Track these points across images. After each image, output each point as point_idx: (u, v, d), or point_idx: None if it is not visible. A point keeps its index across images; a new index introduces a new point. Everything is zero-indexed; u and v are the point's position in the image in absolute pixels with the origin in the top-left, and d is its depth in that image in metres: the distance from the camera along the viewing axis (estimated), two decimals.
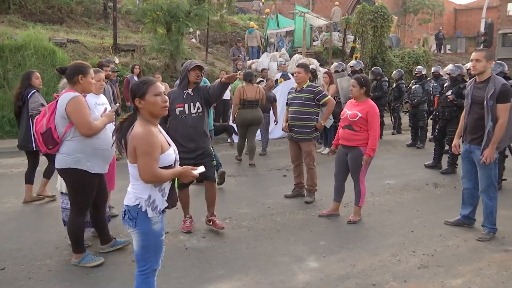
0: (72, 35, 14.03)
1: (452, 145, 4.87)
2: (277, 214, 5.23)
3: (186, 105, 4.42)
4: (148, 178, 2.45)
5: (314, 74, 10.41)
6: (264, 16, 20.66)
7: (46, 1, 16.13)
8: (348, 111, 4.92)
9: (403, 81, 11.72)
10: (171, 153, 2.58)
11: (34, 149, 5.40)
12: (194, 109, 4.44)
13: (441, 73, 9.76)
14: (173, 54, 13.11)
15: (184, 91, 4.47)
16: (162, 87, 2.59)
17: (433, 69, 10.00)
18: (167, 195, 2.60)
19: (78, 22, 16.77)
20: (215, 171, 4.59)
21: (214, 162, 4.56)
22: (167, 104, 2.58)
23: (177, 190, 3.67)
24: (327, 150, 8.23)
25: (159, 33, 12.86)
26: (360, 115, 4.77)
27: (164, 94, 2.56)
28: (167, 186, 2.61)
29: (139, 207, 2.49)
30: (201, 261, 3.94)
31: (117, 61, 12.33)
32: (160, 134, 2.58)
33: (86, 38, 14.15)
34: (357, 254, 4.08)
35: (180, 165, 3.44)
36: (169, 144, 2.63)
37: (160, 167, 2.48)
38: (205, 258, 4.00)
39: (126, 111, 10.07)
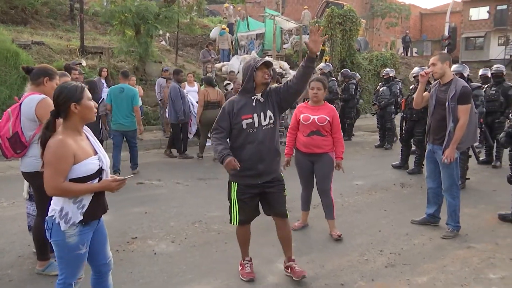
0: (37, 37, 13.67)
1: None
2: None
3: (255, 116, 3.38)
4: (50, 191, 2.36)
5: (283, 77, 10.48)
6: (225, 11, 20.67)
7: (9, 1, 15.65)
8: (312, 116, 4.44)
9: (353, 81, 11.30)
10: (93, 162, 2.46)
11: None
12: (265, 120, 3.39)
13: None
14: (142, 56, 12.96)
15: (252, 98, 3.42)
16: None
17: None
18: (85, 208, 2.45)
19: (43, 24, 16.36)
20: (285, 203, 3.59)
21: (286, 192, 3.60)
22: (96, 109, 2.55)
23: (236, 224, 3.52)
24: None
25: (128, 35, 12.69)
26: (328, 119, 4.43)
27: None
28: (86, 198, 2.46)
29: (53, 218, 2.43)
30: (170, 266, 3.89)
31: (84, 63, 12.09)
32: (84, 141, 2.50)
33: (52, 40, 13.81)
34: (326, 255, 4.12)
35: (247, 194, 3.43)
36: (96, 152, 2.52)
37: (76, 178, 2.39)
38: (174, 262, 3.96)
39: None
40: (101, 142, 7.31)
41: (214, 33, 18.02)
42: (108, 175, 2.56)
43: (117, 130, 7.30)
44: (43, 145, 2.40)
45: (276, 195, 3.50)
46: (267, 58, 3.45)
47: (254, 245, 4.33)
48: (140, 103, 7.50)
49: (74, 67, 8.03)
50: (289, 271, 3.63)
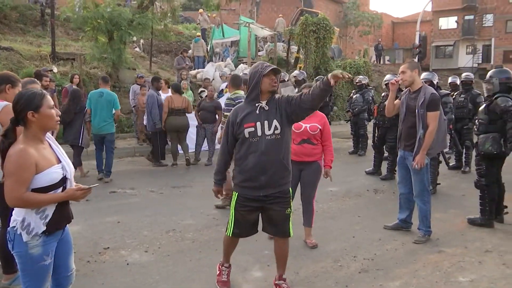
0: (5, 42, 13.34)
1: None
2: (222, 225, 5.18)
3: (258, 124, 3.21)
4: (12, 201, 2.29)
5: None
6: (199, 17, 20.64)
7: None
8: (304, 124, 4.38)
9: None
10: (56, 170, 2.39)
11: None
12: (269, 129, 3.20)
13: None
14: (116, 63, 12.78)
15: (257, 105, 3.27)
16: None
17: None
18: (49, 218, 2.38)
19: (12, 29, 15.97)
20: (289, 222, 3.44)
21: (290, 210, 3.39)
22: (59, 118, 2.47)
23: (229, 235, 3.45)
24: None
25: (101, 41, 12.50)
26: (320, 127, 4.41)
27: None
28: (49, 208, 2.39)
29: (14, 229, 2.35)
30: (143, 276, 3.82)
31: (55, 70, 11.85)
32: (46, 149, 2.43)
33: (22, 46, 13.50)
34: (300, 262, 4.13)
35: (246, 207, 3.32)
36: (60, 161, 2.45)
37: (39, 188, 2.33)
38: (147, 272, 3.89)
39: (62, 123, 9.67)
40: (81, 149, 7.40)
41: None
42: (72, 184, 2.50)
43: (97, 134, 7.49)
44: (3, 154, 2.32)
45: (277, 213, 3.31)
46: (272, 65, 3.32)
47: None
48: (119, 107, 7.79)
49: (45, 74, 7.87)
50: None
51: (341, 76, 3.02)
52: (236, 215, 3.37)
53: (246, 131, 3.22)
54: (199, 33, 18.05)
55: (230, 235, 3.44)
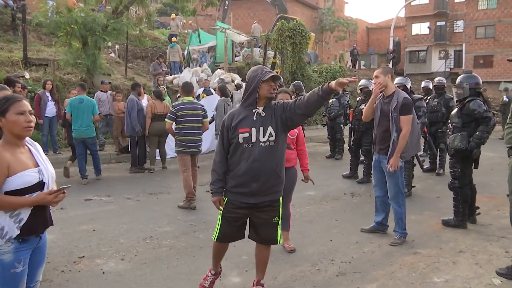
0: None
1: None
2: (199, 231, 5.16)
3: (253, 130, 3.15)
4: None
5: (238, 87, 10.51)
6: (171, 22, 20.57)
7: None
8: None
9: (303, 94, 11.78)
10: (30, 174, 2.37)
11: None
12: (264, 136, 3.15)
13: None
14: (90, 69, 12.57)
15: (254, 111, 3.21)
16: (27, 105, 2.43)
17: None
18: (23, 222, 2.35)
19: None
20: (277, 230, 3.39)
21: (278, 218, 3.35)
22: (32, 124, 2.42)
23: (214, 240, 3.36)
24: None
25: (75, 47, 12.27)
26: (297, 132, 4.42)
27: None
28: (24, 211, 2.36)
29: None
30: (119, 284, 3.76)
31: (27, 76, 11.58)
32: (24, 154, 2.41)
33: None
34: (278, 267, 4.14)
35: (233, 213, 3.24)
36: (38, 165, 2.43)
37: (13, 190, 2.31)
38: (124, 281, 3.83)
39: (38, 129, 9.47)
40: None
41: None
42: (50, 189, 2.46)
43: (77, 137, 7.75)
44: None
45: (263, 221, 3.29)
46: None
47: (208, 259, 4.27)
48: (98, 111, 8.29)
49: (17, 80, 7.69)
50: None
51: (347, 81, 2.99)
52: (222, 221, 3.33)
53: (240, 136, 3.17)
54: (175, 38, 17.95)
55: (215, 240, 3.41)
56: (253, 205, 3.23)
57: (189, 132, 6.29)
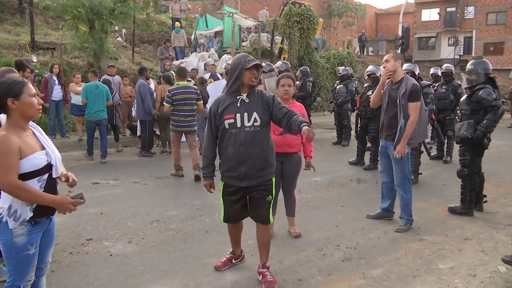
0: None
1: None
2: (206, 215, 5.20)
3: (238, 116, 3.29)
4: (5, 188, 2.29)
5: None
6: (193, 16, 20.38)
7: None
8: None
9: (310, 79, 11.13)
10: (39, 156, 2.39)
11: None
12: (249, 121, 3.28)
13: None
14: (97, 53, 12.56)
15: (238, 97, 3.33)
16: (34, 88, 2.47)
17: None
18: (35, 204, 2.39)
19: None
20: (269, 209, 3.51)
21: (271, 197, 3.47)
22: (41, 107, 2.46)
23: (223, 221, 3.63)
24: None
25: (82, 31, 12.26)
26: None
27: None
28: None
29: (1, 217, 2.35)
30: (126, 266, 3.81)
31: (34, 59, 11.59)
32: (29, 137, 2.43)
33: None
34: (284, 251, 4.16)
35: (231, 196, 3.43)
36: (44, 147, 2.46)
37: (24, 173, 2.33)
38: (131, 263, 3.87)
39: (45, 112, 9.52)
40: (114, 127, 9.63)
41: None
42: (58, 171, 2.50)
43: (92, 120, 8.28)
44: None
45: (257, 200, 3.42)
46: (256, 61, 3.34)
47: (214, 243, 4.34)
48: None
49: (28, 65, 7.65)
50: (261, 277, 3.54)
51: (309, 141, 3.07)
52: (224, 204, 3.53)
53: (226, 122, 3.31)
54: (178, 23, 17.80)
55: (223, 221, 3.64)
56: (245, 188, 3.38)
57: (181, 114, 7.02)
